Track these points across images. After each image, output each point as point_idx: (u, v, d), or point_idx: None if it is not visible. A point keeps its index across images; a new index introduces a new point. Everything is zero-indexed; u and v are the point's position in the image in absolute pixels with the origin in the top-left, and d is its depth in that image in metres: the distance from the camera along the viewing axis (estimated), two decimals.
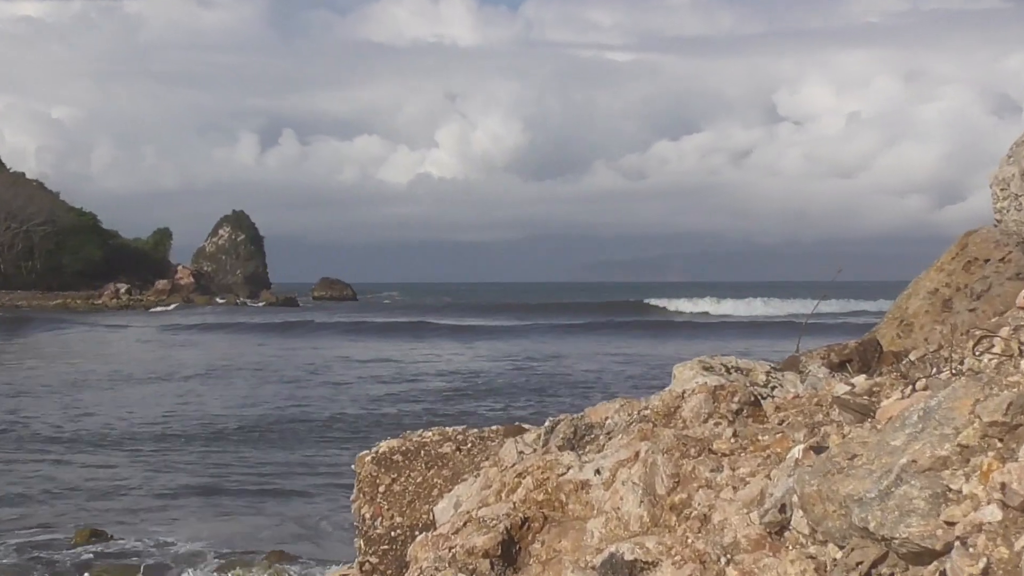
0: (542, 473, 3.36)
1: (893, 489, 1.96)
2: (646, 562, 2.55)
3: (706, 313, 60.68)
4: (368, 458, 4.58)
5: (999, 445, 1.95)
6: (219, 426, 16.82)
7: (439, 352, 31.95)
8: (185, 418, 15.81)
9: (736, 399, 3.46)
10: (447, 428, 4.83)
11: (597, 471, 3.20)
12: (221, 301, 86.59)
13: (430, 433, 4.78)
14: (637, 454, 3.06)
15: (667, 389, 3.96)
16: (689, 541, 2.54)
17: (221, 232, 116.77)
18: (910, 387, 2.58)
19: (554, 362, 28.23)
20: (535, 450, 3.88)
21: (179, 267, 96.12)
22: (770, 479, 2.54)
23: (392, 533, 4.20)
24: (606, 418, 3.84)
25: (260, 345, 34.06)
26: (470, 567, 3.01)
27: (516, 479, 3.44)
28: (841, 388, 3.05)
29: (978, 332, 2.66)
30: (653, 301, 69.35)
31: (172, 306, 79.69)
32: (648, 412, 3.67)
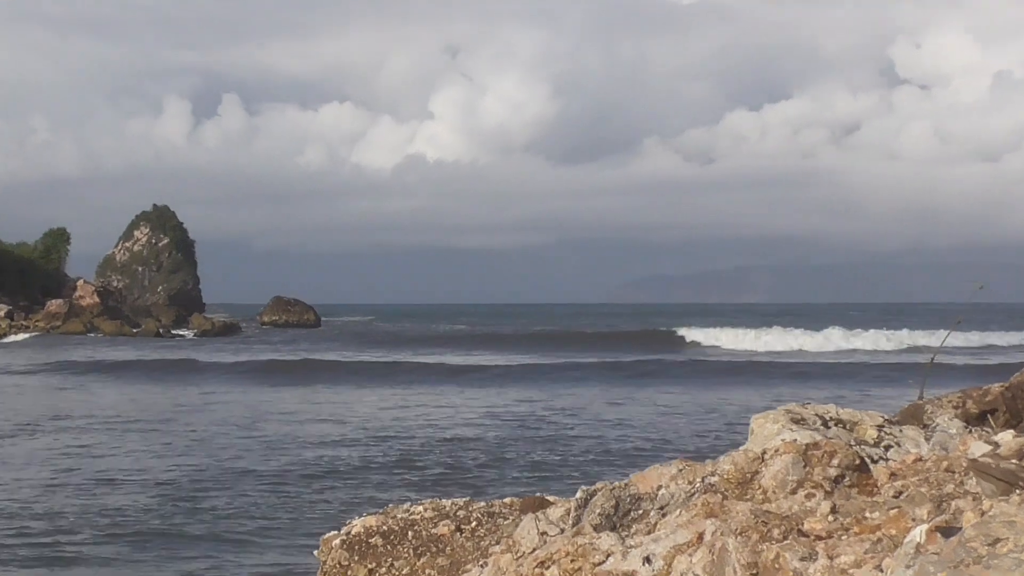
0: (572, 562, 3.37)
1: None
2: None
3: (769, 352, 61.21)
4: (336, 541, 4.57)
5: None
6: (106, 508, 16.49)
7: (425, 401, 32.04)
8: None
9: (835, 462, 3.48)
10: (443, 501, 4.82)
11: (647, 559, 3.22)
12: (135, 331, 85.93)
13: (421, 508, 4.80)
14: (701, 536, 3.10)
15: (742, 448, 3.96)
16: None
17: (137, 235, 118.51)
18: None
19: (584, 411, 28.66)
20: (563, 530, 3.90)
21: (79, 282, 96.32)
22: (881, 571, 2.56)
23: None
24: (658, 487, 3.90)
25: (159, 394, 34.26)
26: None
27: (537, 570, 3.46)
28: (980, 448, 3.11)
29: None
30: (694, 334, 70.43)
31: (23, 335, 78.73)
32: (715, 479, 3.69)
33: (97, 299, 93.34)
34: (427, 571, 4.33)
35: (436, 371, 43.50)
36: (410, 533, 4.51)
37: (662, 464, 4.21)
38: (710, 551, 2.97)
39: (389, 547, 4.44)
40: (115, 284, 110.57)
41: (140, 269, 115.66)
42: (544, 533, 3.89)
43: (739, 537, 2.92)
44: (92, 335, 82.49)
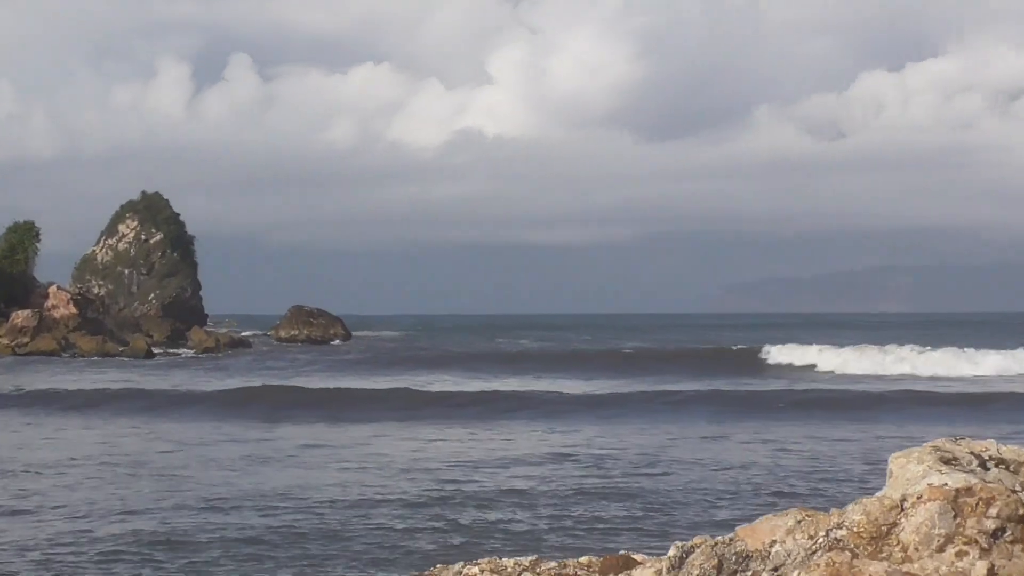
0: None
1: None
2: None
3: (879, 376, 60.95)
4: None
5: None
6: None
7: (480, 437, 32.36)
8: None
9: (994, 512, 3.47)
10: (504, 560, 4.87)
11: None
12: (121, 349, 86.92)
13: (477, 568, 4.84)
14: None
15: (876, 495, 3.95)
16: None
17: (123, 230, 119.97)
18: None
19: (674, 449, 28.95)
20: None
21: (51, 288, 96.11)
22: None
23: None
24: (771, 543, 3.91)
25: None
26: None
27: None
28: None
29: None
30: (807, 354, 70.57)
31: None
32: (843, 533, 3.70)
33: (74, 309, 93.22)
34: None
35: (493, 400, 43.72)
36: None
37: (775, 515, 4.21)
38: None
39: None
40: (96, 291, 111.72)
41: (127, 272, 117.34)
42: None
43: None
44: (67, 355, 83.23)
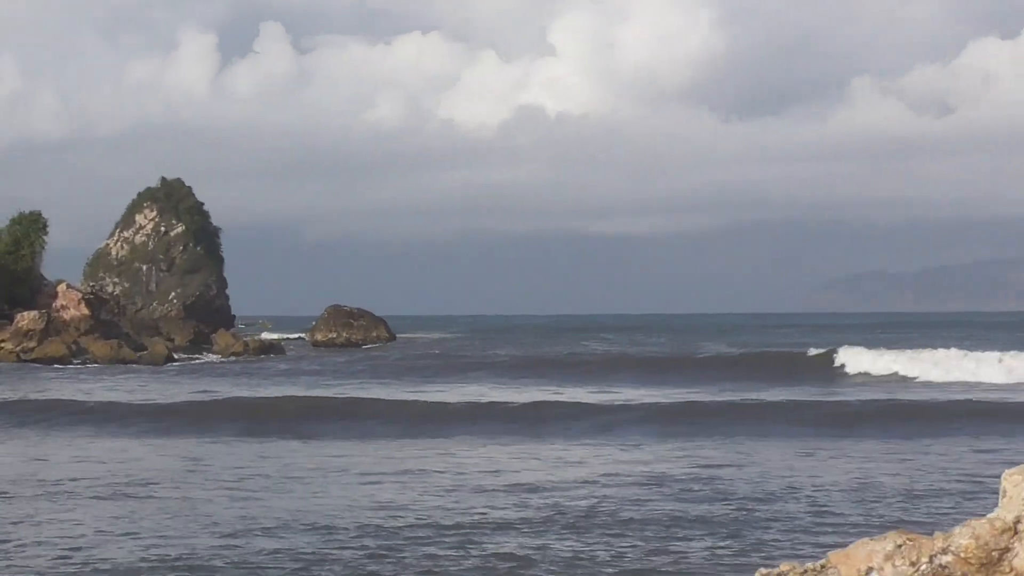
0: None
1: None
2: None
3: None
4: None
5: None
6: None
7: (539, 456, 32.28)
8: None
9: None
10: None
11: None
12: (138, 355, 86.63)
13: None
14: None
15: (987, 517, 3.92)
16: None
17: (140, 220, 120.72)
18: None
19: (755, 465, 29.14)
20: None
21: (60, 287, 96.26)
22: None
23: None
24: (867, 569, 3.92)
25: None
26: None
27: None
28: None
29: None
30: (896, 362, 69.27)
31: None
32: (948, 559, 3.71)
33: (85, 310, 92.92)
34: None
35: (557, 413, 43.49)
36: None
37: (872, 539, 4.21)
38: None
39: None
40: (110, 289, 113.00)
41: (144, 268, 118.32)
42: None
43: None
44: (78, 362, 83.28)
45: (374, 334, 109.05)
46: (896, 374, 65.66)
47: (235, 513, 22.61)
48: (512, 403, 46.93)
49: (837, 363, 70.59)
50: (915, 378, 63.80)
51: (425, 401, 48.36)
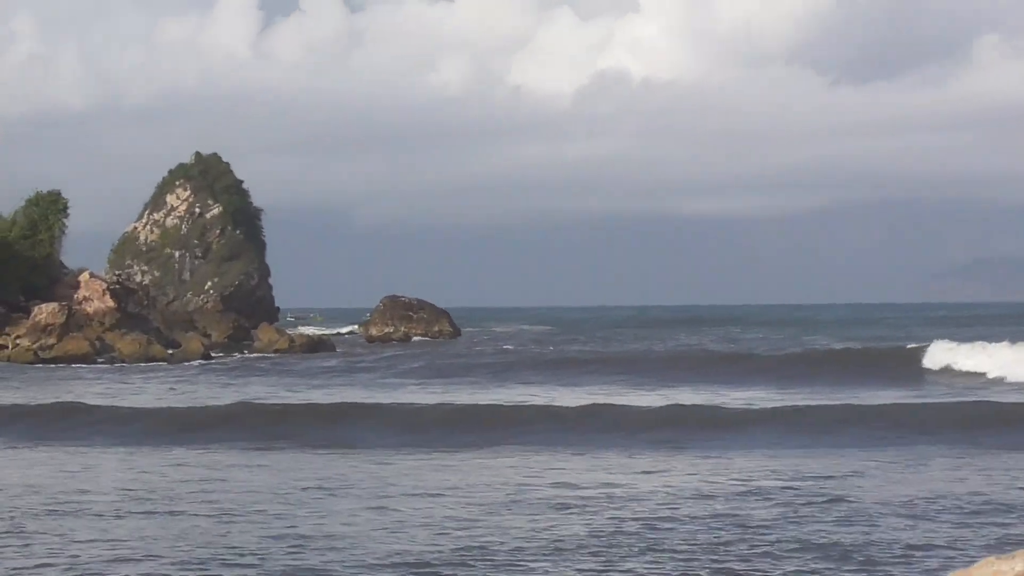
0: None
1: None
2: None
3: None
4: None
5: None
6: None
7: (615, 469, 32.32)
8: None
9: None
10: None
11: None
12: (171, 352, 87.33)
13: None
14: None
15: None
16: None
17: (172, 201, 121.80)
18: None
19: (853, 478, 29.37)
20: None
21: (83, 276, 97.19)
22: None
23: None
24: None
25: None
26: None
27: None
28: None
29: None
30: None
31: None
32: None
33: (111, 302, 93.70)
34: None
35: (634, 421, 43.14)
36: None
37: (1000, 557, 4.41)
38: None
39: None
40: (139, 278, 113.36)
41: (177, 255, 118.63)
42: None
43: None
44: (102, 360, 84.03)
45: (436, 328, 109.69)
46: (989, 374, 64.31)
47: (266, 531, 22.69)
48: (596, 403, 46.73)
49: (951, 361, 69.45)
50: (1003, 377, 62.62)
51: (505, 405, 48.13)
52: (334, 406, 47.31)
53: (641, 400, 50.20)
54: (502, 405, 47.52)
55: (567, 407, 46.38)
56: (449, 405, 47.68)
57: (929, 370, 67.54)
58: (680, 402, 47.40)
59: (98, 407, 47.47)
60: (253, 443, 37.82)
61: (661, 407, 45.57)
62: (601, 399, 48.51)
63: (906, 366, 67.55)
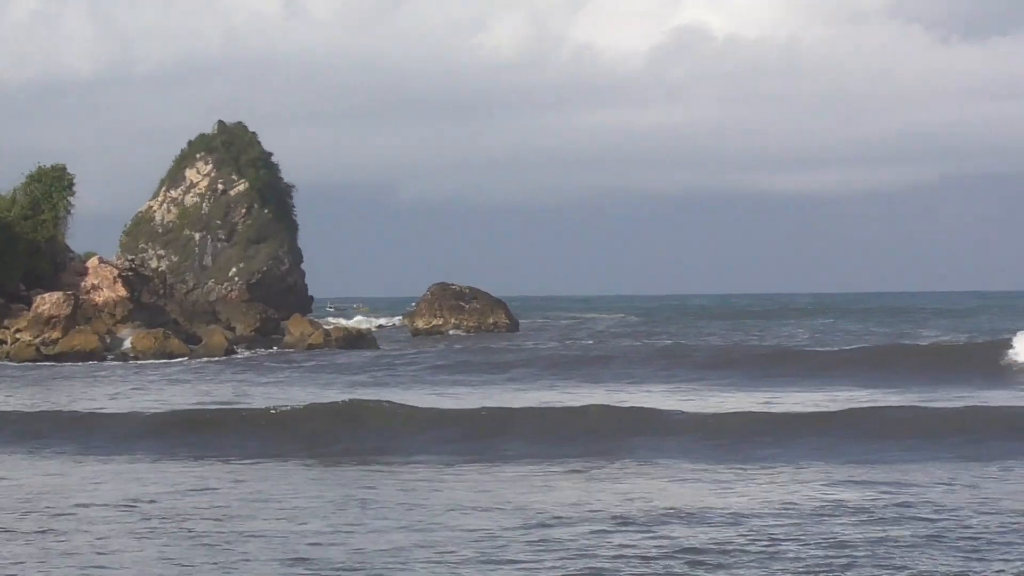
0: None
1: None
2: None
3: None
4: None
5: None
6: None
7: (687, 480, 32.50)
8: None
9: None
10: None
11: None
12: (192, 348, 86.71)
13: None
14: None
15: None
16: None
17: (192, 176, 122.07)
18: None
19: (977, 491, 29.38)
20: None
21: (91, 261, 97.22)
22: None
23: None
24: None
25: None
26: None
27: None
28: None
29: None
30: None
31: None
32: None
33: (123, 291, 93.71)
34: None
35: (700, 429, 42.18)
36: None
37: None
38: None
39: None
40: (154, 264, 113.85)
41: (197, 237, 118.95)
42: None
43: None
44: (113, 357, 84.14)
45: (491, 320, 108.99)
46: None
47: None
48: (684, 411, 45.87)
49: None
50: None
51: (603, 405, 46.60)
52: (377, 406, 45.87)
53: (707, 404, 49.39)
54: (556, 406, 46.99)
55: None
56: (495, 409, 46.48)
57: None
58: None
59: (106, 414, 46.92)
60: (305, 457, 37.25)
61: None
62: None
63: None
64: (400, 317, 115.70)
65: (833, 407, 46.77)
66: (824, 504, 27.70)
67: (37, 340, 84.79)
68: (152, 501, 29.07)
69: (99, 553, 23.28)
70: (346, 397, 50.45)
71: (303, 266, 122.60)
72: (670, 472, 33.44)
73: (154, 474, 34.30)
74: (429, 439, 40.00)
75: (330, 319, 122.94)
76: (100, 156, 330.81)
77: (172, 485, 31.95)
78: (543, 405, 48.76)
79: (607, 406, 46.02)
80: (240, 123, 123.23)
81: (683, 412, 44.96)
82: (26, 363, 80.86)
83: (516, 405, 47.95)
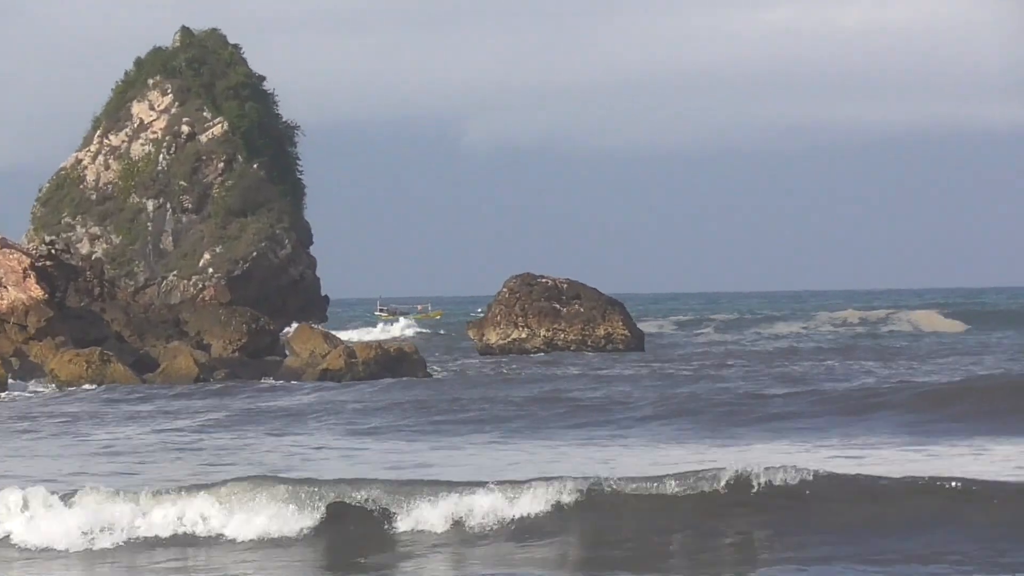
0: None
1: None
2: None
3: None
4: None
5: None
6: None
7: None
8: None
9: None
10: None
11: None
12: (145, 377, 72.42)
13: None
14: None
15: None
16: None
17: (141, 112, 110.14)
18: None
19: None
20: None
21: None
22: None
23: None
24: None
25: None
26: None
27: None
28: None
29: None
30: None
31: None
32: None
33: (38, 290, 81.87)
34: None
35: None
36: None
37: None
38: None
39: None
40: (85, 248, 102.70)
41: (151, 207, 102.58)
42: None
43: None
44: (19, 390, 69.94)
45: (601, 331, 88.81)
46: None
47: None
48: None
49: None
50: None
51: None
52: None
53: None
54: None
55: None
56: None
57: None
58: None
59: None
60: None
61: None
62: None
63: None
64: (467, 327, 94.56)
65: None
66: None
67: None
68: None
69: None
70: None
71: (313, 250, 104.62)
72: None
73: None
74: None
75: (380, 326, 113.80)
76: (4, 85, 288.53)
77: None
78: None
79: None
80: (215, 30, 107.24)
81: None
82: None
83: None
